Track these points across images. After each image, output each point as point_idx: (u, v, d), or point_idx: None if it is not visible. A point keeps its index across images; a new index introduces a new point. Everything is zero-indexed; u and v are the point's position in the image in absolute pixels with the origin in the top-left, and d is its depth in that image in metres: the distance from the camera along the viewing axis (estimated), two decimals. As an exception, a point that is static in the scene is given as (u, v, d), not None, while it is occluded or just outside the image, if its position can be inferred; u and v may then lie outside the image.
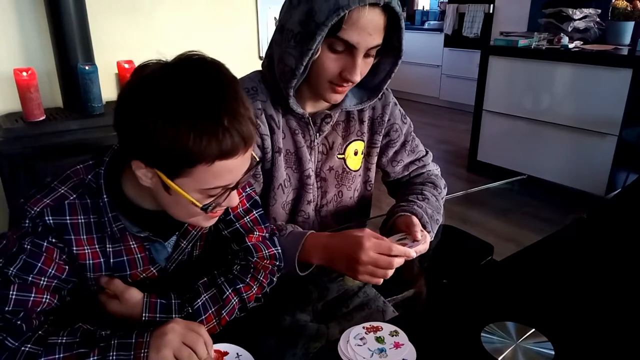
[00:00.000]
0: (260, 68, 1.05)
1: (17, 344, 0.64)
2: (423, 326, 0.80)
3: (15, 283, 0.68)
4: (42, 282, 0.70)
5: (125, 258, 0.78)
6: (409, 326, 0.76)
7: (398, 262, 0.86)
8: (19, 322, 0.67)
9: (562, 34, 3.22)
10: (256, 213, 0.90)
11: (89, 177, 0.74)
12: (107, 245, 0.76)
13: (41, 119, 1.96)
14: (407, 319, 0.90)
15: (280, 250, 0.90)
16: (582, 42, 3.20)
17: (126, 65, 2.19)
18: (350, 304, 1.13)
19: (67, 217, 0.72)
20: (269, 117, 0.98)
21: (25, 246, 0.69)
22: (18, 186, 1.88)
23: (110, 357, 0.64)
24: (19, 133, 1.88)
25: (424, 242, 0.90)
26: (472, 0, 5.25)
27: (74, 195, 0.72)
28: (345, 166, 1.08)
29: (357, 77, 0.90)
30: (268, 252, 0.88)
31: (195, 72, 0.64)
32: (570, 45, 3.07)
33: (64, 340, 0.66)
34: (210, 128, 0.61)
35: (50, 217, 0.70)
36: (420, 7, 6.59)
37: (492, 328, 0.77)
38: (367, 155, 1.12)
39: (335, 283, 1.14)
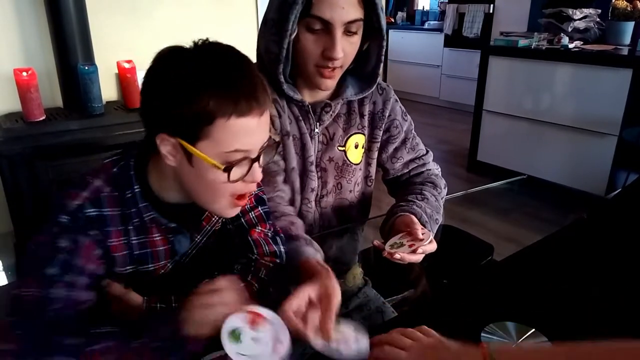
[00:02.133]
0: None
1: (65, 337, 0.65)
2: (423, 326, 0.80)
3: (57, 282, 0.68)
4: (82, 280, 0.71)
5: (149, 250, 0.78)
6: (408, 326, 0.76)
7: (416, 258, 0.87)
8: (64, 320, 0.68)
9: (562, 34, 3.22)
10: (261, 209, 0.91)
11: (115, 169, 0.75)
12: (132, 238, 0.76)
13: (41, 119, 1.97)
14: (407, 319, 0.90)
15: (282, 250, 0.90)
16: (582, 42, 3.20)
17: (126, 65, 2.19)
18: (350, 304, 1.14)
19: (107, 209, 0.73)
20: (274, 100, 0.99)
21: (62, 245, 0.69)
22: (18, 186, 1.88)
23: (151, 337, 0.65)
24: (19, 133, 1.88)
25: (428, 241, 0.90)
26: (472, 0, 5.25)
27: (108, 188, 0.74)
28: (345, 158, 1.09)
29: (339, 54, 0.90)
30: (268, 249, 0.89)
31: (210, 47, 0.71)
32: (570, 45, 3.07)
33: (108, 329, 0.67)
34: (225, 87, 0.66)
35: (90, 210, 0.71)
36: (420, 7, 6.59)
37: (492, 328, 0.77)
38: (368, 150, 1.12)
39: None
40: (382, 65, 1.03)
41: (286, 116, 1.01)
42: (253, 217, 0.90)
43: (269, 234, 0.91)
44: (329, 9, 0.87)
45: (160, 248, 0.79)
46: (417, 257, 0.88)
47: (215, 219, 0.86)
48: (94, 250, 0.72)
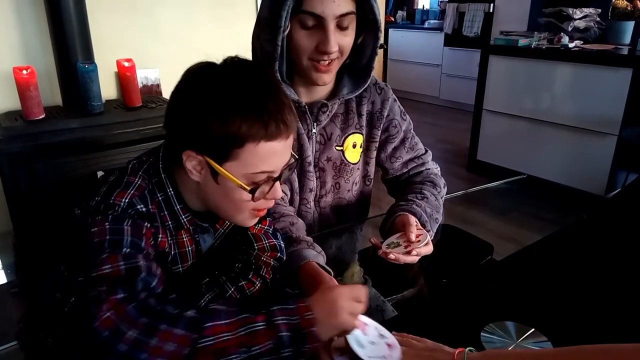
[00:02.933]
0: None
1: (177, 311, 0.59)
2: (423, 326, 0.80)
3: (136, 254, 0.65)
4: (153, 266, 0.66)
5: (178, 251, 0.80)
6: (408, 326, 0.76)
7: (411, 259, 0.87)
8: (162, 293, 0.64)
9: (562, 33, 3.22)
10: None
11: (141, 174, 0.75)
12: (169, 238, 0.77)
13: (41, 117, 1.96)
14: (407, 318, 0.90)
15: (282, 244, 0.90)
16: (582, 42, 3.20)
17: (126, 64, 2.19)
18: (350, 303, 1.13)
19: (150, 207, 0.73)
20: None
21: (126, 227, 0.67)
22: (17, 185, 1.88)
23: (277, 321, 0.60)
24: (19, 132, 1.88)
25: (424, 242, 0.89)
26: (472, 0, 5.25)
27: (148, 188, 0.74)
28: (343, 158, 1.09)
29: (333, 47, 0.91)
30: (268, 243, 0.89)
31: (241, 67, 0.72)
32: (571, 45, 3.07)
33: (224, 308, 0.62)
34: (257, 113, 0.68)
35: (140, 206, 0.71)
36: (420, 6, 6.59)
37: (492, 328, 0.77)
38: (366, 149, 1.12)
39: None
40: (376, 58, 1.03)
41: None
42: None
43: (269, 230, 0.91)
44: (320, 4, 0.88)
45: (188, 249, 0.81)
46: (412, 259, 0.88)
47: (227, 222, 0.87)
48: (151, 238, 0.71)
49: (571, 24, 3.29)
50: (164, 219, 0.76)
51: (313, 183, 1.06)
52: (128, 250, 0.65)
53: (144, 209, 0.72)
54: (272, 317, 0.60)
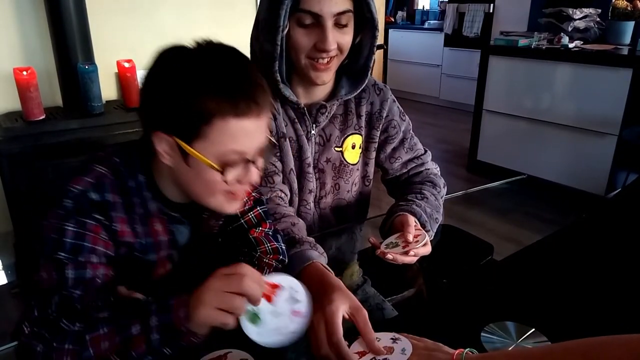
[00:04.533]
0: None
1: (69, 323, 0.65)
2: (423, 326, 0.80)
3: (69, 264, 0.69)
4: (94, 259, 0.71)
5: (151, 240, 0.78)
6: (408, 326, 0.76)
7: (408, 260, 0.86)
8: (77, 304, 0.68)
9: (562, 33, 3.22)
10: (260, 209, 0.91)
11: (118, 159, 0.76)
12: (136, 226, 0.77)
13: (41, 118, 1.96)
14: (407, 318, 0.90)
15: (283, 247, 0.90)
16: (582, 42, 3.20)
17: (126, 65, 2.19)
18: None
19: (109, 195, 0.73)
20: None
21: (69, 228, 0.70)
22: (18, 185, 1.88)
23: (152, 323, 0.63)
24: (19, 132, 1.88)
25: (423, 242, 0.89)
26: (472, 0, 5.25)
27: (112, 176, 0.74)
28: (342, 159, 1.09)
29: (331, 45, 0.91)
30: (270, 246, 0.89)
31: (213, 47, 0.71)
32: (571, 45, 3.07)
33: (106, 315, 0.66)
34: (224, 88, 0.67)
35: (93, 194, 0.72)
36: (420, 7, 6.59)
37: (492, 328, 0.77)
38: (365, 150, 1.12)
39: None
40: (374, 57, 1.03)
41: (281, 118, 1.01)
42: (252, 217, 0.90)
43: (270, 232, 0.91)
44: (317, 2, 0.88)
45: (162, 238, 0.79)
46: (410, 259, 0.88)
47: (215, 219, 0.85)
48: (100, 232, 0.72)
49: (571, 24, 3.30)
50: (132, 206, 0.75)
51: (312, 184, 1.06)
52: (64, 255, 0.69)
53: (96, 198, 0.72)
54: (147, 319, 0.64)
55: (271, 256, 0.88)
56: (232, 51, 0.72)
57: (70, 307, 0.67)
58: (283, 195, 1.01)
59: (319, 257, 0.88)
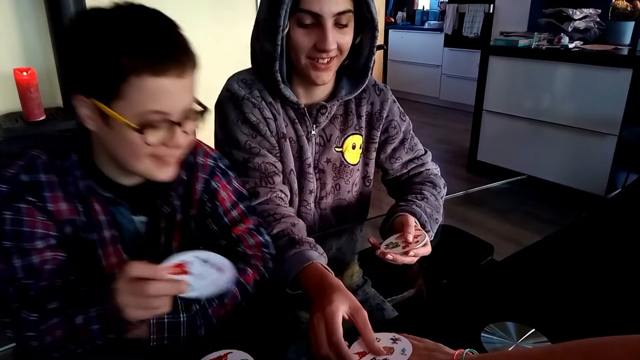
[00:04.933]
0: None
1: (28, 313, 0.68)
2: (423, 326, 0.80)
3: (14, 252, 0.71)
4: (38, 244, 0.72)
5: (91, 218, 0.78)
6: (408, 326, 0.76)
7: (408, 260, 0.86)
8: (32, 292, 0.70)
9: (562, 34, 3.22)
10: (242, 205, 0.91)
11: (58, 140, 0.78)
12: (77, 204, 0.77)
13: (41, 118, 1.97)
14: (407, 318, 0.90)
15: (269, 240, 0.90)
16: (582, 42, 3.20)
17: (126, 65, 2.19)
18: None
19: (42, 175, 0.74)
20: (269, 104, 1.00)
21: (7, 216, 0.71)
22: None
23: (91, 314, 0.67)
24: (19, 133, 1.89)
25: (423, 243, 0.89)
26: (472, 0, 5.25)
27: (45, 156, 0.75)
28: (343, 159, 1.09)
29: (331, 45, 0.91)
30: (254, 241, 0.89)
31: (131, 7, 0.69)
32: (571, 45, 3.07)
33: (56, 305, 0.69)
34: (140, 45, 0.65)
35: (25, 175, 0.73)
36: (420, 7, 6.59)
37: (492, 328, 0.77)
38: (366, 150, 1.12)
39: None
40: (374, 58, 1.03)
41: (282, 118, 1.01)
42: (235, 215, 0.90)
43: (253, 227, 0.90)
44: (317, 2, 0.88)
45: (102, 218, 0.78)
46: (410, 260, 0.88)
47: (172, 199, 0.84)
48: (37, 215, 0.73)
49: (571, 25, 3.30)
50: (67, 185, 0.75)
51: (312, 185, 1.06)
52: (8, 244, 0.71)
53: (27, 179, 0.72)
54: (87, 310, 0.67)
55: (256, 249, 0.88)
56: (152, 11, 0.70)
57: (27, 296, 0.70)
58: (283, 195, 1.01)
59: (319, 257, 0.87)
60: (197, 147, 0.87)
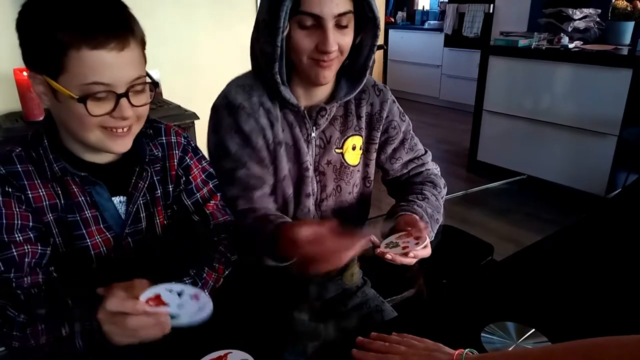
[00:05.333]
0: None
1: (16, 313, 0.71)
2: (423, 326, 0.80)
3: None
4: (17, 237, 0.75)
5: (71, 201, 0.80)
6: (408, 326, 0.76)
7: (407, 261, 0.86)
8: (18, 290, 0.73)
9: (562, 34, 3.22)
10: (212, 184, 0.97)
11: (30, 134, 0.80)
12: (56, 188, 0.79)
13: (41, 118, 1.96)
14: (407, 319, 0.90)
15: (230, 218, 0.97)
16: (582, 42, 3.20)
17: (126, 65, 2.18)
18: (349, 303, 1.14)
19: (18, 165, 0.77)
20: (267, 110, 0.99)
21: None
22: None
23: (75, 328, 0.68)
24: (19, 133, 1.88)
25: (423, 245, 0.89)
26: (472, 0, 5.25)
27: (19, 148, 0.78)
28: (343, 161, 1.09)
29: (332, 47, 0.91)
30: (223, 219, 0.95)
31: None
32: (570, 45, 3.07)
33: (44, 311, 0.71)
34: (76, 17, 0.67)
35: (1, 168, 0.76)
36: (420, 7, 6.59)
37: (492, 328, 0.77)
38: (366, 151, 1.12)
39: (334, 282, 1.14)
40: (373, 57, 1.02)
41: (279, 125, 1.00)
42: (206, 192, 0.95)
43: (220, 204, 0.96)
44: (318, 4, 0.88)
45: (81, 199, 0.81)
46: (409, 260, 0.87)
47: (146, 175, 0.86)
48: (14, 205, 0.75)
49: (571, 25, 3.30)
50: (44, 172, 0.78)
51: (310, 187, 1.06)
52: None
53: (4, 172, 0.75)
54: (72, 323, 0.68)
55: (223, 236, 0.94)
56: None
57: (12, 293, 0.73)
58: (261, 208, 1.00)
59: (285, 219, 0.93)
60: (167, 128, 0.92)
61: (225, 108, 0.99)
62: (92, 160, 0.81)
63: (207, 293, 0.71)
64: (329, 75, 0.97)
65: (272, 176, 1.02)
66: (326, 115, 1.03)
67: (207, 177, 0.96)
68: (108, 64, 0.69)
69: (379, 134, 1.12)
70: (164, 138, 0.90)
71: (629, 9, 3.21)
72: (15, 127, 1.90)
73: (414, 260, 0.88)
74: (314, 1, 0.88)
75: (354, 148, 1.10)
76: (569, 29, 3.29)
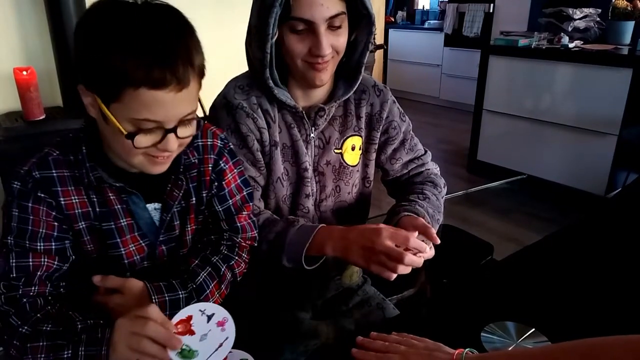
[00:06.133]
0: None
1: (19, 322, 0.70)
2: (423, 326, 0.80)
3: (13, 251, 0.73)
4: (38, 247, 0.74)
5: (107, 209, 0.79)
6: (409, 326, 0.76)
7: (415, 260, 0.84)
8: (24, 298, 0.72)
9: (562, 33, 3.22)
10: (245, 191, 0.93)
11: (71, 135, 0.79)
12: (92, 196, 0.78)
13: (41, 118, 1.96)
14: (407, 318, 0.90)
15: (256, 234, 0.95)
16: (582, 42, 3.20)
17: (126, 65, 2.18)
18: (350, 301, 1.14)
19: (53, 171, 0.76)
20: (265, 111, 0.99)
21: (14, 213, 0.74)
22: (18, 185, 1.88)
23: (80, 352, 0.67)
24: (19, 132, 1.88)
25: (429, 247, 0.89)
26: (472, 0, 5.25)
27: (57, 152, 0.77)
28: (342, 161, 1.09)
29: (326, 50, 0.90)
30: (251, 234, 0.93)
31: (148, 7, 0.68)
32: (571, 45, 3.07)
33: (49, 328, 0.70)
34: (141, 55, 0.64)
35: (37, 172, 0.75)
36: (420, 7, 6.59)
37: (492, 328, 0.77)
38: (365, 151, 1.12)
39: (334, 281, 1.14)
40: (368, 53, 1.02)
41: (276, 126, 1.00)
42: (238, 200, 0.92)
43: (251, 216, 0.94)
44: (308, 9, 0.87)
45: (117, 207, 0.80)
46: (423, 246, 0.87)
47: (181, 183, 0.84)
48: (42, 213, 0.75)
49: (571, 24, 3.30)
50: (81, 178, 0.77)
51: (309, 188, 1.06)
52: (10, 240, 0.73)
53: (39, 175, 0.74)
54: (77, 346, 0.67)
55: (249, 242, 0.93)
56: (166, 16, 0.68)
57: (17, 301, 0.72)
58: (254, 207, 1.01)
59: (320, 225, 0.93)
60: (204, 129, 0.88)
61: (224, 108, 0.99)
62: (129, 170, 0.80)
63: (233, 321, 0.70)
64: (326, 77, 0.96)
65: (264, 179, 1.02)
66: (325, 116, 1.03)
67: (242, 183, 0.93)
68: (164, 103, 0.67)
69: (379, 134, 1.11)
70: (200, 140, 0.87)
71: (629, 8, 3.21)
72: (15, 127, 1.90)
73: (421, 261, 0.88)
74: (304, 6, 0.87)
75: (353, 148, 1.10)
76: (569, 29, 3.29)
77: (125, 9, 0.67)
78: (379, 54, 4.03)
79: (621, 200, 1.50)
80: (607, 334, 0.51)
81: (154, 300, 0.77)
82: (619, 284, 0.93)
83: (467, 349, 0.66)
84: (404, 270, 0.83)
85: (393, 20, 6.54)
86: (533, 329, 0.76)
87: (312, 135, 1.03)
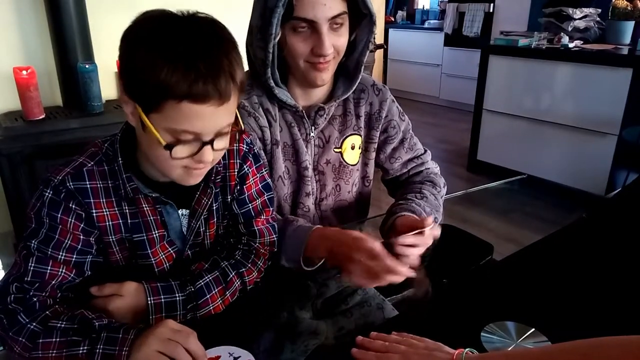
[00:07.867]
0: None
1: (27, 319, 0.70)
2: (423, 326, 0.80)
3: (34, 255, 0.73)
4: (60, 256, 0.75)
5: (140, 220, 0.80)
6: (409, 326, 0.76)
7: (410, 264, 0.85)
8: (34, 298, 0.72)
9: (562, 33, 3.22)
10: (267, 196, 0.93)
11: (106, 145, 0.79)
12: (124, 207, 0.79)
13: (41, 117, 1.96)
14: (407, 318, 0.90)
15: (275, 238, 0.94)
16: (582, 42, 3.20)
17: (126, 64, 2.18)
18: (350, 301, 1.14)
19: (87, 182, 0.76)
20: (266, 110, 0.99)
21: (44, 220, 0.74)
22: (18, 185, 1.88)
23: (97, 350, 0.66)
24: (19, 132, 1.88)
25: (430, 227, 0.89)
26: (472, 0, 5.25)
27: (92, 163, 0.77)
28: (342, 160, 1.09)
29: (328, 50, 0.91)
30: (269, 239, 0.92)
31: (193, 20, 0.69)
32: (571, 45, 3.07)
33: (62, 325, 0.69)
34: (184, 69, 0.64)
35: (71, 183, 0.75)
36: (420, 6, 6.58)
37: (492, 328, 0.77)
38: (365, 150, 1.12)
39: (334, 280, 1.14)
40: (368, 52, 1.02)
41: (277, 125, 1.01)
42: (259, 204, 0.92)
43: (271, 220, 0.93)
44: (310, 9, 0.88)
45: (150, 218, 0.80)
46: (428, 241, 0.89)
47: (210, 191, 0.84)
48: (70, 225, 0.75)
49: (571, 24, 3.29)
50: (115, 189, 0.77)
51: (310, 187, 1.06)
52: (34, 244, 0.73)
53: (72, 187, 0.75)
54: (95, 344, 0.66)
55: (268, 248, 0.92)
56: (210, 30, 0.69)
57: (26, 301, 0.72)
58: None
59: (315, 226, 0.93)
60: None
61: None
62: (162, 180, 0.80)
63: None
64: (327, 77, 0.97)
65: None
66: (325, 115, 1.03)
67: (264, 188, 0.92)
68: (203, 116, 0.67)
69: (378, 133, 1.12)
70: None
71: (629, 8, 3.21)
72: (15, 126, 1.90)
73: (422, 250, 0.89)
74: (307, 6, 0.87)
75: (352, 147, 1.10)
76: (569, 29, 3.29)
77: (171, 21, 0.68)
78: (378, 53, 4.03)
79: (621, 199, 1.50)
80: (607, 334, 0.51)
81: (149, 302, 0.77)
82: (619, 284, 0.93)
83: (467, 349, 0.66)
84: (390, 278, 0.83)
85: (393, 19, 6.54)
86: (533, 329, 0.76)
87: (312, 134, 1.04)
